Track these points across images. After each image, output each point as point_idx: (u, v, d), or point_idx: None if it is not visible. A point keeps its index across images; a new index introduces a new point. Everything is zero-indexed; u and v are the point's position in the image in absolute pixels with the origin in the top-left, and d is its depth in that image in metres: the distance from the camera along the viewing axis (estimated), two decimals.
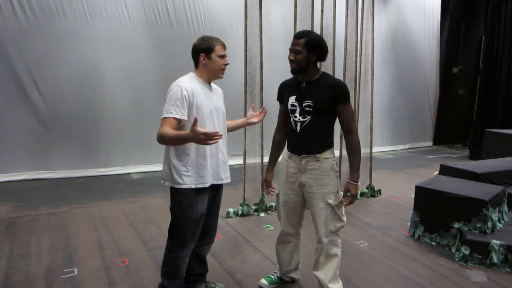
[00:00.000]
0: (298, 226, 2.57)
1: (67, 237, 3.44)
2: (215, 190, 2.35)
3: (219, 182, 2.31)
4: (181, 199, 2.18)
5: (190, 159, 2.16)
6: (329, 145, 2.34)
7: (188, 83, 2.17)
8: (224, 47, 2.26)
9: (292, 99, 2.33)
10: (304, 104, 2.27)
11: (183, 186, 2.16)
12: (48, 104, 5.21)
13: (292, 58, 2.25)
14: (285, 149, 2.48)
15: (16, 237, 3.41)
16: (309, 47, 2.22)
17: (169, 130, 2.03)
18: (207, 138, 1.87)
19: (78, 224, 3.73)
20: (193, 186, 2.17)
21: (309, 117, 2.27)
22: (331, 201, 2.29)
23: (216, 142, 1.95)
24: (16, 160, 5.13)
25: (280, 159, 2.55)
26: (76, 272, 2.82)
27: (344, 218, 2.37)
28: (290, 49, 2.27)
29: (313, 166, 2.30)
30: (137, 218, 3.92)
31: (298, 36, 2.26)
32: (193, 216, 2.20)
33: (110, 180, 5.40)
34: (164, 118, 2.08)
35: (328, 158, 2.31)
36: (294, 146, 2.37)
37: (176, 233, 2.24)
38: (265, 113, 2.70)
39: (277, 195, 2.54)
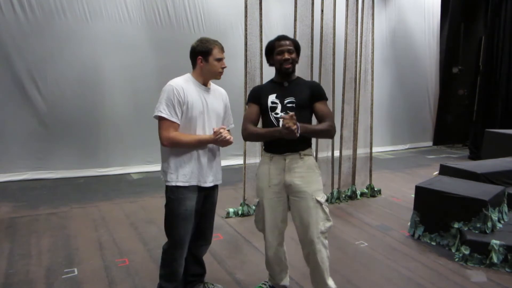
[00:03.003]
0: (283, 231, 2.47)
1: (67, 237, 3.44)
2: (205, 191, 2.32)
3: (203, 185, 2.27)
4: (170, 195, 2.23)
5: (172, 158, 2.21)
6: (309, 143, 2.38)
7: (182, 83, 2.20)
8: (222, 50, 2.26)
9: (272, 97, 2.34)
10: (286, 101, 2.32)
11: (167, 184, 2.23)
12: (48, 104, 5.21)
13: (288, 57, 2.32)
14: (264, 153, 2.39)
15: (16, 237, 3.41)
16: (296, 49, 2.38)
17: (185, 137, 2.17)
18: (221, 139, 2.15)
19: (78, 224, 3.73)
20: (173, 184, 2.20)
21: (291, 113, 2.22)
22: (319, 198, 2.27)
23: (225, 139, 2.14)
24: (16, 160, 5.13)
25: (259, 166, 2.46)
26: (76, 272, 2.82)
27: (331, 219, 2.33)
28: (284, 50, 2.33)
29: (298, 164, 2.28)
30: (137, 218, 3.92)
31: (285, 38, 2.38)
32: (182, 212, 2.21)
33: (110, 180, 5.40)
34: (166, 120, 2.13)
35: (310, 155, 2.35)
36: (276, 145, 2.30)
37: (169, 230, 2.26)
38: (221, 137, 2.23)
39: (258, 203, 2.43)
